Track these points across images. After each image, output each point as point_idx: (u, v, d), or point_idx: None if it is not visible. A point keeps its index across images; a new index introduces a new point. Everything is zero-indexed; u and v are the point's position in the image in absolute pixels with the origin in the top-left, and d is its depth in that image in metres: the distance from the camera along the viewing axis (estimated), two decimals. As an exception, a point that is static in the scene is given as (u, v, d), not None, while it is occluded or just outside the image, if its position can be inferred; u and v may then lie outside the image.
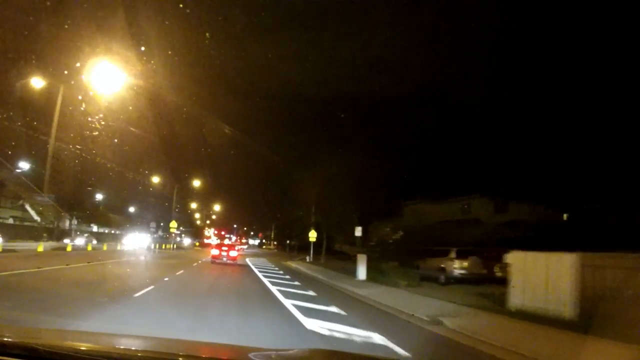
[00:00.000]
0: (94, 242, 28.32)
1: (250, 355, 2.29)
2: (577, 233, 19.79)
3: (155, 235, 45.78)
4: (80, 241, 26.01)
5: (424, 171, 29.90)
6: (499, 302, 11.88)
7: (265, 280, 16.90)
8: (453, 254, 18.91)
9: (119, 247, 28.45)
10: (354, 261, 38.61)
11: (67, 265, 16.32)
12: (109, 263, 19.65)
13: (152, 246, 30.67)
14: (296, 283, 17.00)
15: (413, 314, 10.11)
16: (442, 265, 18.99)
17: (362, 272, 19.55)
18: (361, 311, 10.94)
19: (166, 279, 14.60)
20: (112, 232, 64.98)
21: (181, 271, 18.52)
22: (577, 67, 22.64)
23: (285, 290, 13.46)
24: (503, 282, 19.33)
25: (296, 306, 10.17)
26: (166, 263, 24.13)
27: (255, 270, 22.70)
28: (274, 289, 13.75)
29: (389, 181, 26.68)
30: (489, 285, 17.49)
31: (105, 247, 27.25)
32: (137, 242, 35.18)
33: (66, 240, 25.19)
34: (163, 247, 40.71)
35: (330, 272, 24.14)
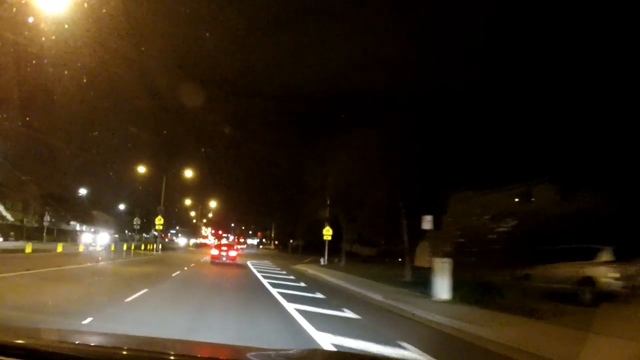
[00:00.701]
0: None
1: (249, 355, 2.25)
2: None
3: (134, 234, 37.85)
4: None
5: (470, 154, 22.05)
6: None
7: (291, 308, 9.12)
8: (607, 256, 11.21)
9: (60, 249, 20.14)
10: (381, 265, 30.99)
11: None
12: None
13: (121, 246, 22.61)
14: (348, 314, 9.20)
15: None
16: (588, 274, 11.25)
17: (443, 288, 11.83)
18: None
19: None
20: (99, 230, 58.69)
21: (140, 293, 10.52)
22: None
23: (357, 351, 5.66)
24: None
25: None
26: (130, 273, 16.25)
27: (264, 282, 14.87)
28: (324, 341, 5.98)
29: (431, 166, 19.00)
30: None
31: (29, 249, 18.94)
32: (101, 242, 27.04)
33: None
34: (142, 247, 32.54)
35: (372, 283, 16.47)
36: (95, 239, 27.92)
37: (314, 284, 16.47)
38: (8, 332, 2.22)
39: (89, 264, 16.33)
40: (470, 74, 20.88)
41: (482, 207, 14.03)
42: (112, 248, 21.94)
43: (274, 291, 12.54)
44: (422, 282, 16.12)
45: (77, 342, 2.18)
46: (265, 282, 15.37)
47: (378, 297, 12.66)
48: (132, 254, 25.90)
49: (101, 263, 18.43)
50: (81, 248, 19.25)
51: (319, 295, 12.52)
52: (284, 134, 43.45)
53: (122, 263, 19.64)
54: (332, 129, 27.91)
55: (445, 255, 12.42)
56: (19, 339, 2.01)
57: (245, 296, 11.79)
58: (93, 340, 2.41)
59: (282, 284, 15.09)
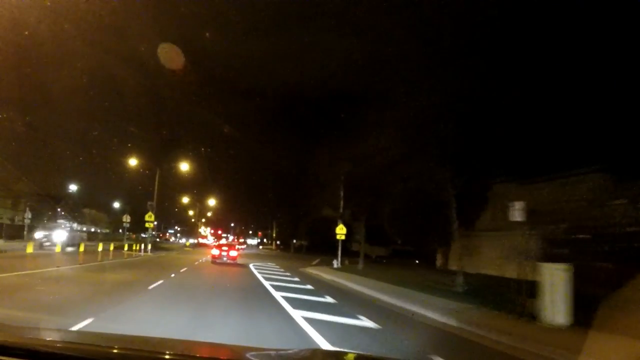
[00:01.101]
0: None
1: (249, 354, 2.21)
2: None
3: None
4: None
5: (510, 139, 17.85)
6: None
7: None
8: None
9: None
10: (403, 267, 26.70)
11: None
12: None
13: (95, 246, 18.33)
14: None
15: None
16: None
17: (559, 308, 7.68)
18: None
19: None
20: (93, 230, 55.24)
21: (75, 328, 6.31)
22: None
23: None
24: None
25: None
26: (88, 284, 11.94)
27: (276, 295, 10.60)
28: None
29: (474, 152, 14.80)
30: None
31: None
32: (58, 239, 22.48)
33: None
34: (126, 247, 28.11)
35: (419, 295, 12.39)
36: (50, 237, 23.41)
37: (342, 297, 12.18)
38: (8, 332, 2.17)
39: (28, 271, 11.92)
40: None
41: (602, 191, 9.87)
42: (82, 248, 17.58)
43: (297, 314, 8.26)
44: (481, 293, 11.96)
45: (77, 342, 2.16)
46: (277, 295, 11.08)
47: (451, 322, 8.40)
48: (110, 256, 21.55)
49: (61, 268, 13.99)
50: (31, 248, 14.86)
51: (365, 321, 8.22)
52: (286, 131, 40.39)
53: (88, 268, 15.23)
54: (349, 116, 23.81)
55: (557, 258, 8.20)
56: (19, 339, 1.97)
57: (250, 320, 7.47)
58: (93, 340, 2.37)
59: (300, 298, 10.80)
